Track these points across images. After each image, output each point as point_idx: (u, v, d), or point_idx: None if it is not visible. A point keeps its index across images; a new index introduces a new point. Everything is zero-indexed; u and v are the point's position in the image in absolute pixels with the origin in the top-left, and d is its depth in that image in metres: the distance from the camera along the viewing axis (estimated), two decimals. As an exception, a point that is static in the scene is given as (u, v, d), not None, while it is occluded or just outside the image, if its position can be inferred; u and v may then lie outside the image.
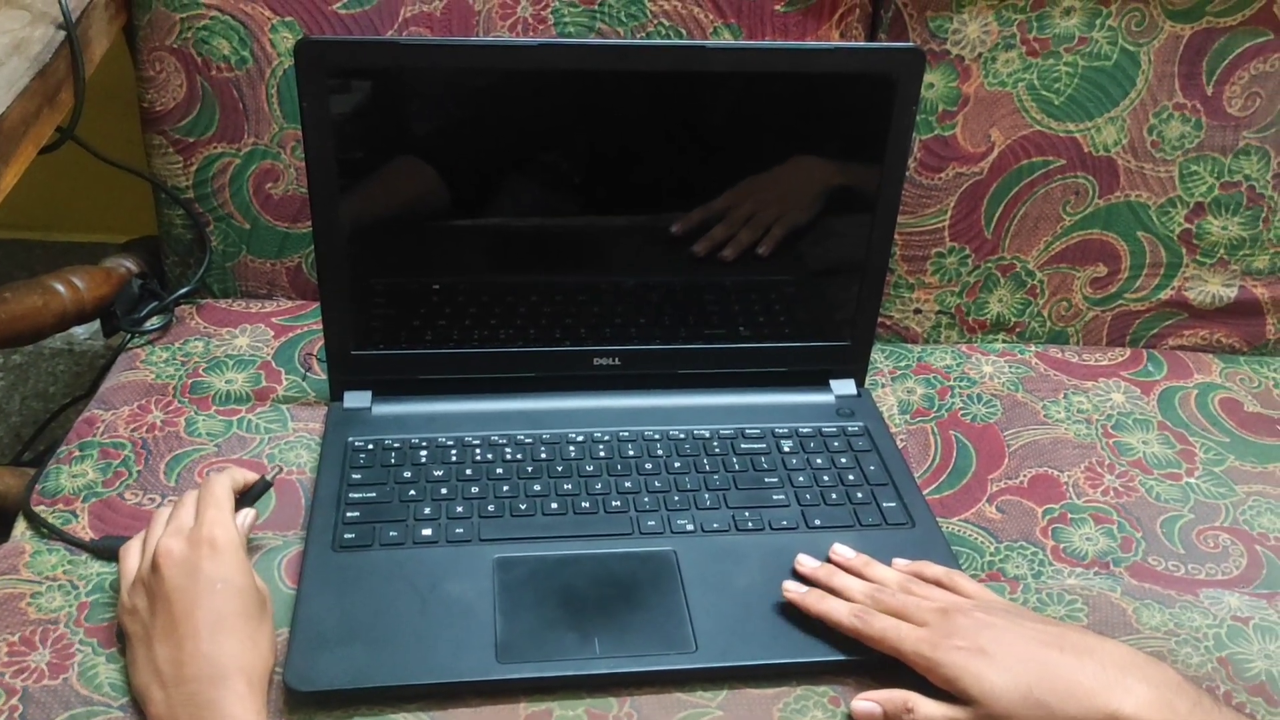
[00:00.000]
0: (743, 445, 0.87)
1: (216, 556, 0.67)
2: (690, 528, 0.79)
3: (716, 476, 0.84)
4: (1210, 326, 1.05)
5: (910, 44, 0.94)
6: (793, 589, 0.72)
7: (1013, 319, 1.06)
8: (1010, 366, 1.02)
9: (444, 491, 0.80)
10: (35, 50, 0.83)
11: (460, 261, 0.88)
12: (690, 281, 0.90)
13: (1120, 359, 1.04)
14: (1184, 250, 1.02)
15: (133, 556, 0.70)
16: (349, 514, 0.78)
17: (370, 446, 0.84)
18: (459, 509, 0.79)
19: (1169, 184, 1.00)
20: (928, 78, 0.97)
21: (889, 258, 0.92)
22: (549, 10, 0.97)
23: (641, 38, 0.97)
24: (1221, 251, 1.02)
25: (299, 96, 0.78)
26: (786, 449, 0.87)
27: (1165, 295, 1.04)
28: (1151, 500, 0.87)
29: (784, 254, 0.89)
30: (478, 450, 0.84)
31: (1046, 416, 0.95)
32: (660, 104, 0.83)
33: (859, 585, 0.72)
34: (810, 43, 0.97)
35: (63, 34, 0.85)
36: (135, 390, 0.91)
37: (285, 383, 0.93)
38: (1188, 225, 1.01)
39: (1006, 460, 0.90)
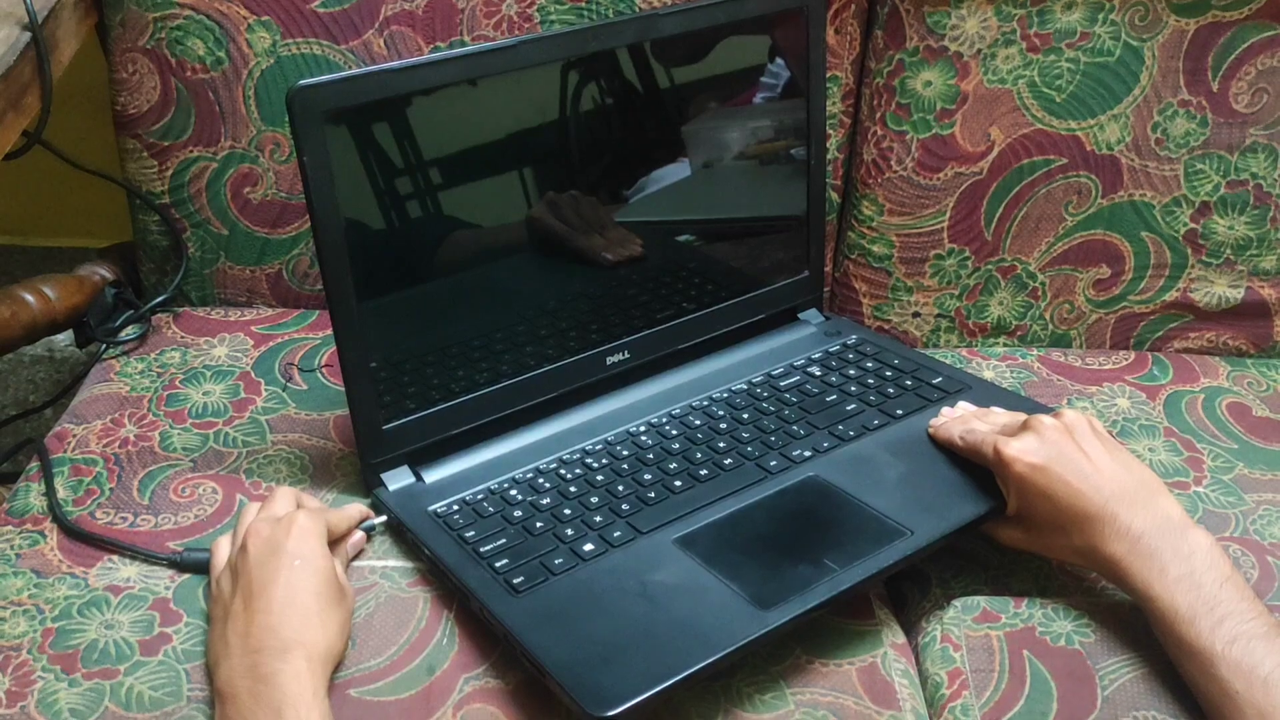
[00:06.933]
0: (782, 383, 0.89)
1: (300, 536, 0.68)
2: (808, 454, 0.80)
3: (787, 411, 0.85)
4: (1217, 329, 1.03)
5: None
6: (934, 421, 0.81)
7: (1014, 322, 1.03)
8: (1012, 371, 0.99)
9: (567, 513, 0.75)
10: (-1, 52, 0.81)
11: (474, 298, 0.82)
12: (673, 255, 0.92)
13: (1125, 362, 1.01)
14: (1189, 251, 1.00)
15: (223, 548, 0.72)
16: (497, 563, 0.71)
17: (455, 508, 0.76)
18: (597, 518, 0.74)
19: (1174, 183, 0.97)
20: (926, 75, 0.94)
21: (826, 187, 0.97)
22: (534, 8, 0.94)
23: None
24: (1228, 252, 1.00)
25: (297, 151, 0.70)
26: (818, 373, 0.90)
27: (1170, 297, 1.01)
28: (1159, 510, 0.84)
29: (739, 203, 0.93)
30: (560, 471, 0.79)
31: (1050, 423, 0.92)
32: (623, 80, 0.84)
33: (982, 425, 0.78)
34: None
35: (28, 35, 0.82)
36: (109, 403, 0.88)
37: (265, 394, 0.90)
38: (1193, 225, 0.99)
39: (1009, 469, 0.88)
